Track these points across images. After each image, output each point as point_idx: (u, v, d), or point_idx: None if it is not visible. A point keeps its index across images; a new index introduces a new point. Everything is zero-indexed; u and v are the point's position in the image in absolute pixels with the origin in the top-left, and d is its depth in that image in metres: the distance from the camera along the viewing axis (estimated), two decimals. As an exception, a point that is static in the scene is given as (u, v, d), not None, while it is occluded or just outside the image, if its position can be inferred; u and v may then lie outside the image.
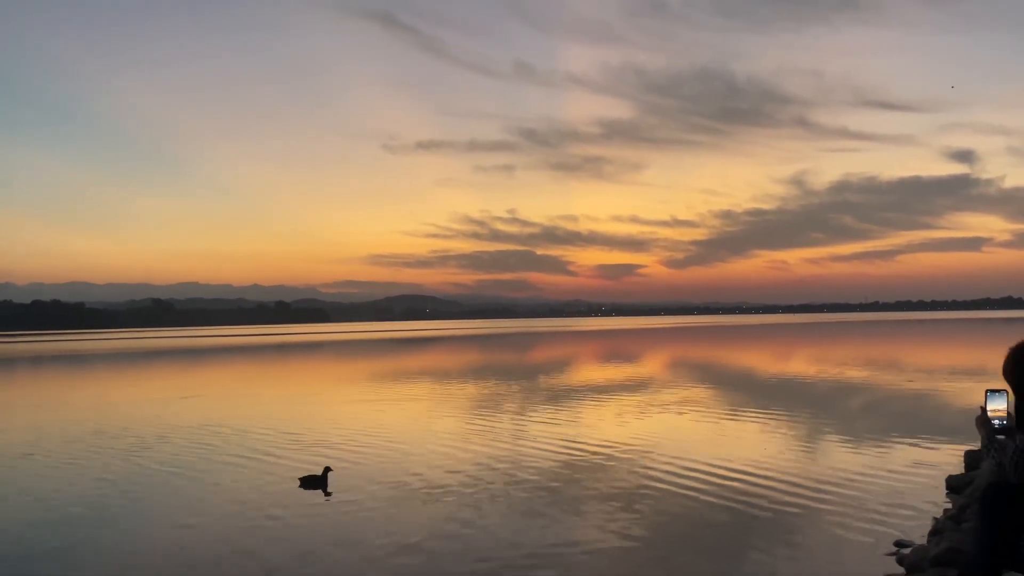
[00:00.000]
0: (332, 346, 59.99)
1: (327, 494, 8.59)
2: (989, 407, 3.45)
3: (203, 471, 10.05)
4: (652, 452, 10.72)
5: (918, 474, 8.68)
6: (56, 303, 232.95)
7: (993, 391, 3.50)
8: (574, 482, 8.94)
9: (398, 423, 14.30)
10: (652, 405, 16.54)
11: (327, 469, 9.23)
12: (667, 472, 9.26)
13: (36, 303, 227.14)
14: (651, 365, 30.90)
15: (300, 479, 9.04)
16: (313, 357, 45.05)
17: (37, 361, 46.17)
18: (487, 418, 14.67)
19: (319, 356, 46.14)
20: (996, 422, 3.40)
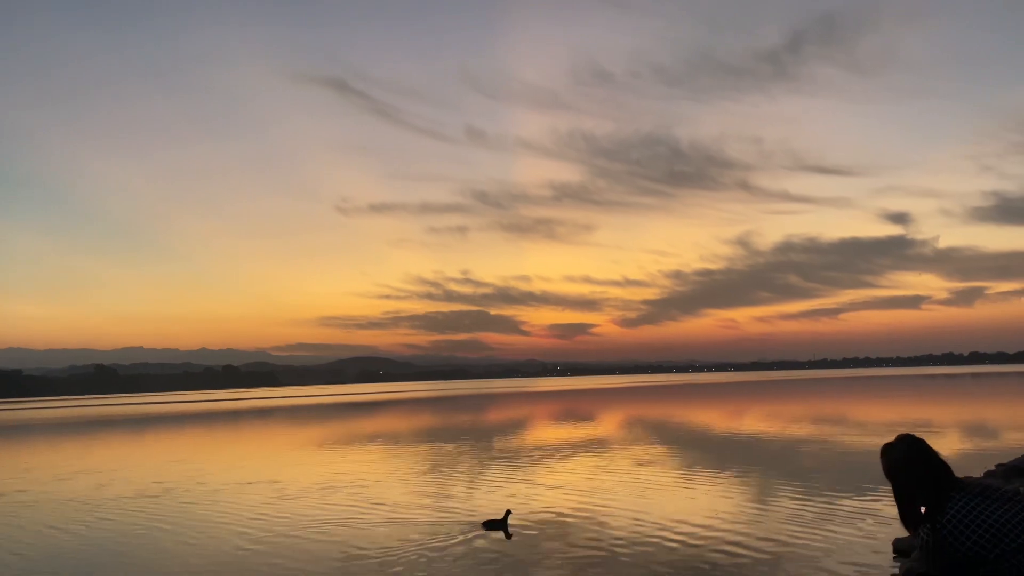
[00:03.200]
0: (286, 411, 58.77)
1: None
2: None
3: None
4: (607, 512, 10.93)
5: (866, 535, 8.95)
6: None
7: None
8: (532, 543, 9.08)
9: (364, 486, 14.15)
10: (608, 465, 16.74)
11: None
12: (621, 532, 9.48)
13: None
14: (606, 425, 31.06)
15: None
16: (270, 423, 44.02)
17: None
18: (444, 481, 14.56)
19: (276, 421, 45.09)
20: None
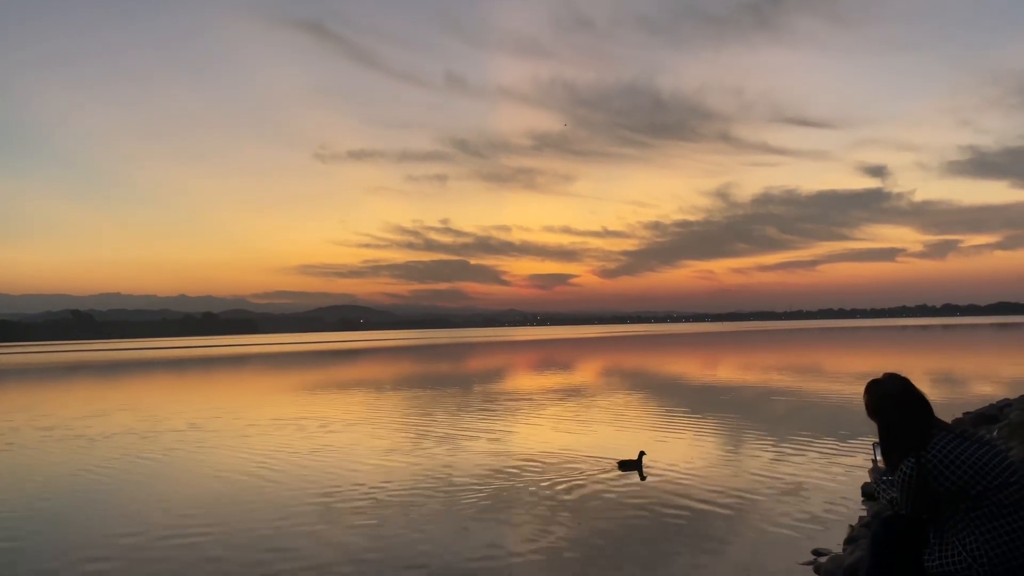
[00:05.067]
0: (273, 358, 58.70)
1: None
2: (878, 458, 3.82)
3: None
4: (582, 459, 11.15)
5: (835, 480, 9.22)
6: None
7: (878, 443, 3.66)
8: (507, 489, 9.27)
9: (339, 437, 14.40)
10: (584, 413, 17.00)
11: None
12: (596, 478, 9.70)
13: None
14: (584, 374, 31.47)
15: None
16: (262, 368, 43.90)
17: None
18: (423, 428, 14.78)
19: (268, 367, 44.88)
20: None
